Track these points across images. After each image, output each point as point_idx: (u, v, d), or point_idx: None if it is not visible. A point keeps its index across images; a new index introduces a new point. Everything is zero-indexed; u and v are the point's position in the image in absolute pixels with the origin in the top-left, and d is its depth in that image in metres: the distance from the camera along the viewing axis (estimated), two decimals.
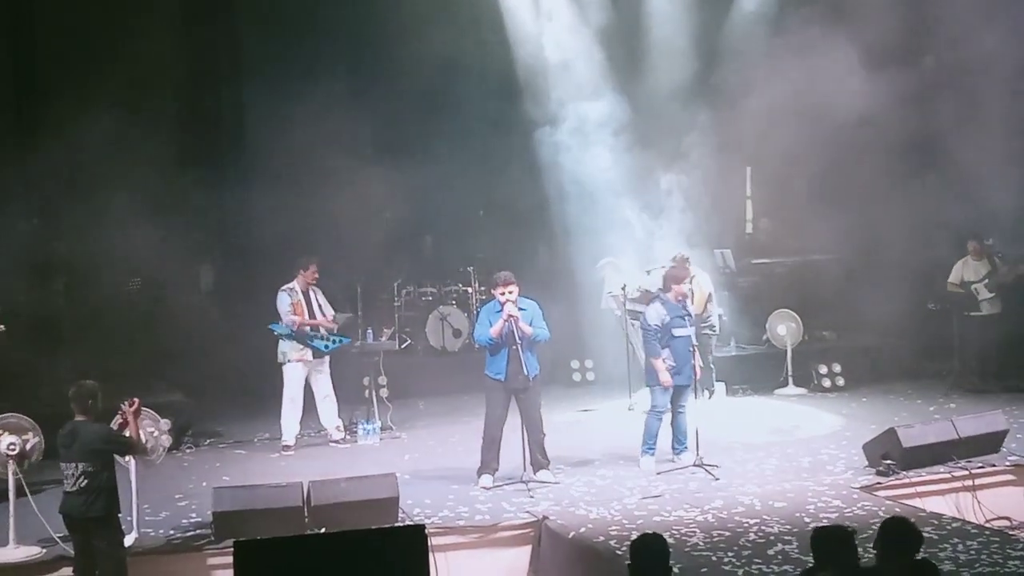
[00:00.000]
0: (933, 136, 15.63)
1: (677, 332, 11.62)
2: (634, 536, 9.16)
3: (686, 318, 11.73)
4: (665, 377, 11.56)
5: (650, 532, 7.53)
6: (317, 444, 13.35)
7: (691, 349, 11.61)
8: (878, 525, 7.23)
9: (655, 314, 11.71)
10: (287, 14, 16.71)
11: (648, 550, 6.81)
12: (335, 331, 13.33)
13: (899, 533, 6.83)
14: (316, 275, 13.26)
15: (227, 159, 16.68)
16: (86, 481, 8.48)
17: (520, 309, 11.17)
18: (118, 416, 9.13)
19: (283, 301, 13.01)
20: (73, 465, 8.51)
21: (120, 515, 8.88)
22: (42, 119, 15.50)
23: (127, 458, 9.70)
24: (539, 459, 11.30)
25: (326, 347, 13.12)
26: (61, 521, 8.84)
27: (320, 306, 13.27)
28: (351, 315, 15.16)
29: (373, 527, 9.44)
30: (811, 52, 14.87)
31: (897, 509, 10.01)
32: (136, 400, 8.97)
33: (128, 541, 9.39)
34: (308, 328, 13.00)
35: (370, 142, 16.57)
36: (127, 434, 8.89)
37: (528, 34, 16.67)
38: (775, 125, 15.57)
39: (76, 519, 8.61)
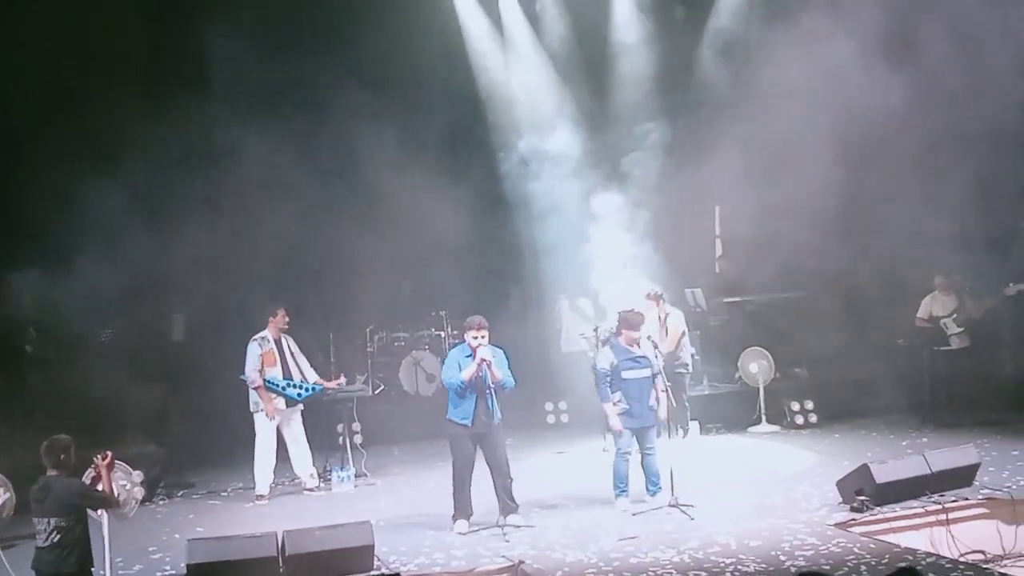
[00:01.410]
0: (899, 173, 15.76)
1: (627, 375, 11.62)
2: None
3: (640, 360, 11.68)
4: (614, 422, 11.66)
5: None
6: (291, 493, 13.29)
7: (651, 390, 11.64)
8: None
9: (603, 358, 11.81)
10: (255, 59, 16.73)
11: None
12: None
13: None
14: (286, 320, 13.22)
15: (197, 207, 16.62)
16: (59, 536, 8.41)
17: None
18: (91, 469, 9.07)
19: (252, 353, 12.98)
20: (46, 520, 8.44)
21: (93, 569, 8.80)
22: (11, 170, 15.46)
23: (99, 511, 9.63)
24: (507, 504, 11.27)
25: (299, 396, 13.09)
26: None
27: (293, 354, 13.23)
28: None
29: None
30: (781, 82, 14.99)
31: (872, 545, 10.06)
32: (109, 454, 8.92)
33: None
34: (263, 386, 12.92)
35: (340, 188, 16.58)
36: (100, 488, 8.83)
37: (493, 70, 16.81)
38: (743, 161, 15.69)
39: (49, 575, 8.53)
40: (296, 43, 16.53)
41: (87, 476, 9.16)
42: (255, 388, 12.93)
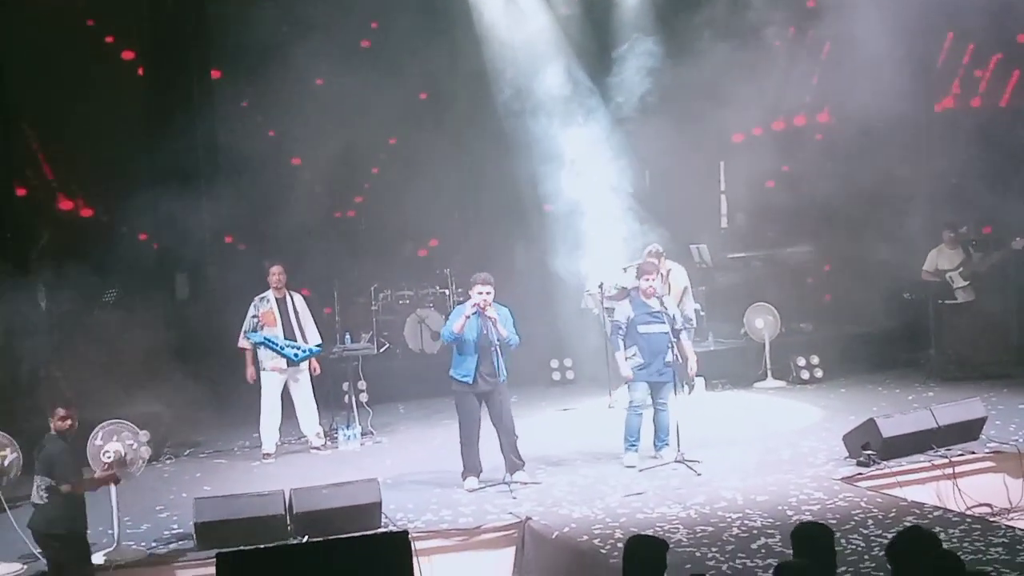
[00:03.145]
0: (907, 127, 15.64)
1: (643, 329, 11.54)
2: (618, 535, 9.25)
3: (658, 314, 11.61)
4: (625, 371, 11.60)
5: (648, 535, 7.45)
6: (297, 451, 13.29)
7: (668, 346, 11.58)
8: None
9: (621, 311, 11.76)
10: (256, 36, 16.63)
11: (646, 553, 6.67)
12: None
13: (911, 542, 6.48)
14: (280, 278, 13.06)
15: (200, 167, 16.58)
16: (47, 496, 8.43)
17: None
18: (102, 467, 9.06)
19: (248, 313, 13.00)
20: (38, 478, 8.50)
21: (89, 531, 8.83)
22: (9, 133, 15.42)
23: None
24: (514, 461, 11.23)
25: (296, 356, 12.97)
26: None
27: (298, 313, 13.15)
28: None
29: (356, 533, 9.46)
30: (790, 40, 14.85)
31: (879, 499, 10.07)
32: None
33: (98, 559, 9.35)
34: (248, 349, 12.96)
35: (343, 144, 16.50)
36: (83, 476, 8.78)
37: (496, 19, 16.69)
38: (749, 117, 15.58)
39: (40, 534, 8.57)
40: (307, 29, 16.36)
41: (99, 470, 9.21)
42: (240, 348, 12.97)
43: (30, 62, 15.41)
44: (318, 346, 13.25)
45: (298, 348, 13.00)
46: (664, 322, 11.61)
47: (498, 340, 10.99)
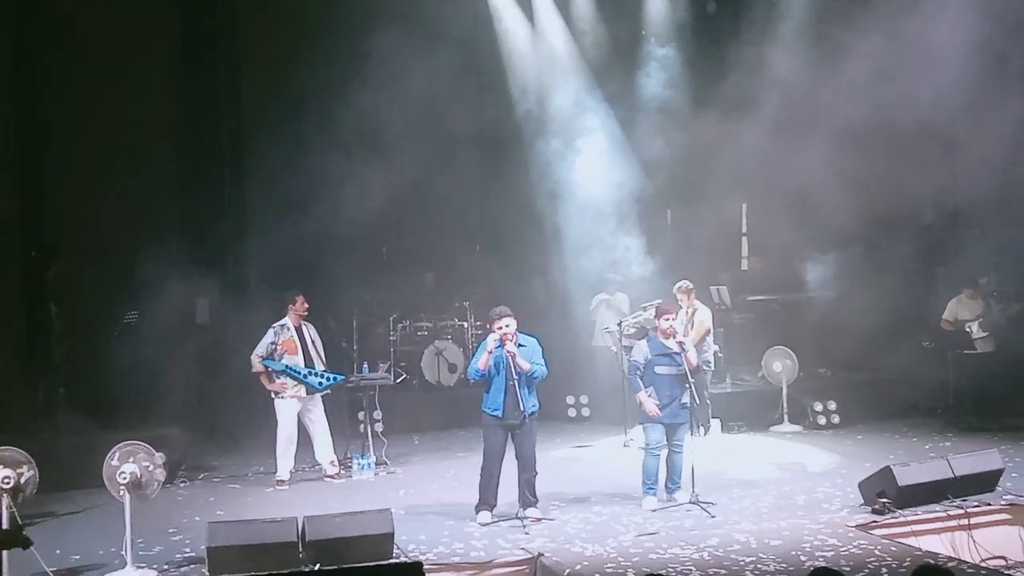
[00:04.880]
0: (932, 170, 15.60)
1: (660, 370, 11.51)
2: (630, 574, 9.21)
3: (675, 356, 11.55)
4: (651, 408, 11.49)
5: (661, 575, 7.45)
6: (312, 479, 13.29)
7: (686, 386, 11.54)
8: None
9: (638, 351, 11.72)
10: (284, 56, 16.74)
11: None
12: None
13: None
14: (305, 307, 13.18)
15: (224, 193, 16.70)
16: None
17: (520, 346, 11.14)
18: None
19: (264, 339, 13.04)
20: None
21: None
22: (43, 154, 15.56)
23: (121, 492, 9.71)
24: (527, 497, 11.19)
25: (319, 384, 13.06)
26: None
27: (313, 342, 13.22)
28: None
29: (368, 563, 9.44)
30: (816, 75, 14.88)
31: (893, 548, 10.01)
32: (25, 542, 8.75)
33: None
34: (264, 372, 12.99)
35: (366, 175, 16.57)
36: None
37: (523, 55, 16.80)
38: (772, 158, 15.59)
39: None
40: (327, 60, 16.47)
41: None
42: (255, 372, 13.00)
43: (61, 75, 15.57)
44: (341, 374, 13.29)
45: (322, 376, 13.07)
46: (682, 363, 11.56)
47: (519, 373, 11.00)
